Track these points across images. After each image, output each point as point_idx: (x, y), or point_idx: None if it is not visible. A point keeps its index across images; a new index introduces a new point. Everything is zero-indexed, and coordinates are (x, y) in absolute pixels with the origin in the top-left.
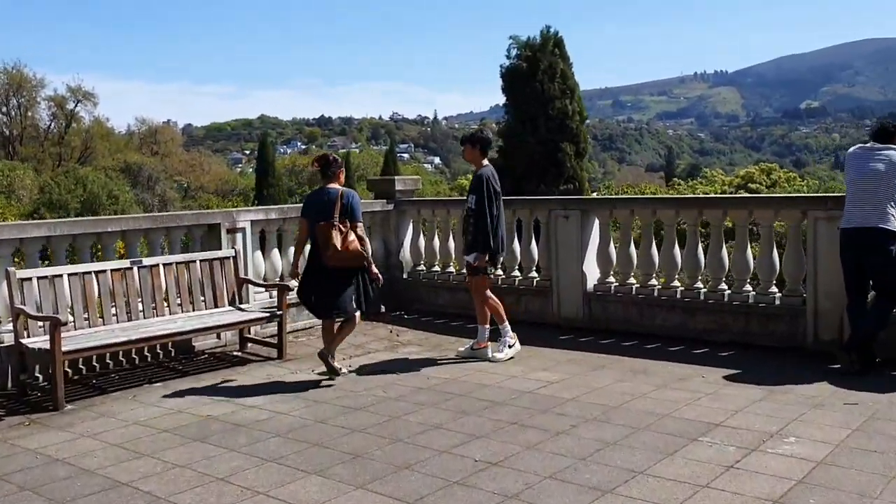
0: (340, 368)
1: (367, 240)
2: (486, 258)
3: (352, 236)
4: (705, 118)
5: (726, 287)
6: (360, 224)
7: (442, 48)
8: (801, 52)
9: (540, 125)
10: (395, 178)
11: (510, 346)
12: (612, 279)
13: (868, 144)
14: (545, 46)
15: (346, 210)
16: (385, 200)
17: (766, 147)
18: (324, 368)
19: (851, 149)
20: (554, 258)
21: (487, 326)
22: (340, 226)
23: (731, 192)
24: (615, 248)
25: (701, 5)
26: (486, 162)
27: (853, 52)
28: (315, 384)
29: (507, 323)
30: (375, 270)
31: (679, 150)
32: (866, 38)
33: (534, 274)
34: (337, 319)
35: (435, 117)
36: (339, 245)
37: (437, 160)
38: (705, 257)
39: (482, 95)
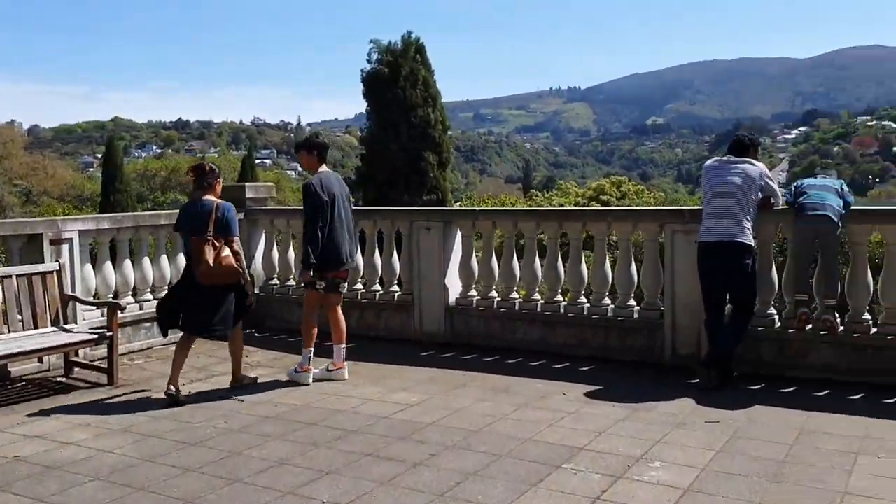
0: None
1: (242, 255)
2: (310, 273)
3: (226, 251)
4: (560, 132)
5: (585, 300)
6: (236, 239)
7: (308, 54)
8: (648, 71)
9: (402, 133)
10: (246, 184)
11: (297, 372)
12: (474, 292)
13: (725, 157)
14: (407, 52)
15: (222, 224)
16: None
17: (616, 161)
18: (161, 396)
19: (709, 161)
20: (416, 271)
21: (343, 345)
22: (214, 240)
23: (584, 204)
24: (477, 260)
25: (558, 23)
26: (323, 168)
27: (695, 72)
28: (147, 414)
29: (311, 350)
30: (251, 292)
31: (536, 162)
32: (706, 59)
33: (395, 288)
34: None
35: (299, 123)
36: (210, 261)
37: (300, 167)
38: (565, 270)
39: (347, 103)
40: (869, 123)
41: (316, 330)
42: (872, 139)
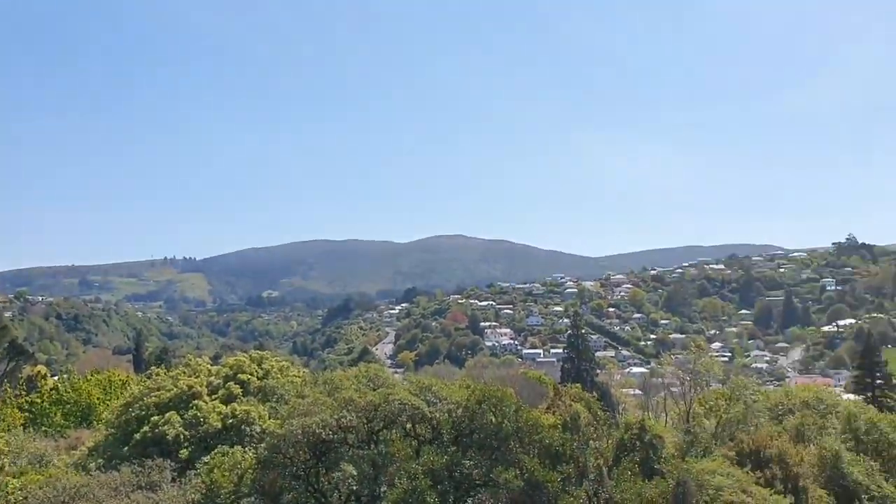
0: None
1: None
2: None
3: None
4: (174, 302)
5: None
6: None
7: None
8: (263, 246)
9: None
10: None
11: None
12: None
13: None
14: None
15: None
16: None
17: (232, 332)
18: None
19: None
20: None
21: None
22: None
23: (219, 383)
24: None
25: (172, 193)
26: None
27: (307, 249)
28: None
29: None
30: None
31: (148, 332)
32: (318, 238)
33: None
34: None
35: None
36: None
37: None
38: None
39: None
40: (460, 301)
41: None
42: (463, 315)
